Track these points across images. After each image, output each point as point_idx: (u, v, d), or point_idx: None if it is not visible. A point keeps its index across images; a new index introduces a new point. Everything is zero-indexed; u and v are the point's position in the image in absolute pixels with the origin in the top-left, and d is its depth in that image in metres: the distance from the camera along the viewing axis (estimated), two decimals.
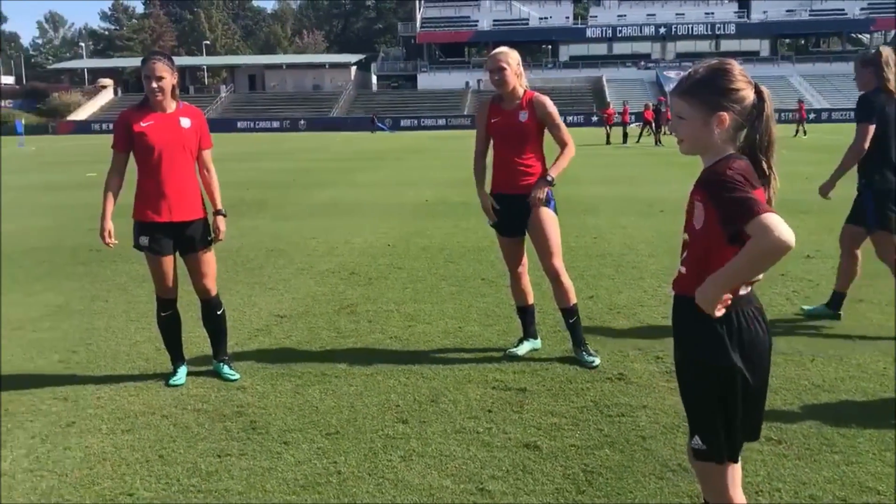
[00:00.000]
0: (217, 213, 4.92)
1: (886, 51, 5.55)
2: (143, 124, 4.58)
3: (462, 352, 5.36)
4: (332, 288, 7.39)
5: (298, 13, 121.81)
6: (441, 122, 68.02)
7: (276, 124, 70.10)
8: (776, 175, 2.36)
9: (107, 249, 5.17)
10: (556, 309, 5.25)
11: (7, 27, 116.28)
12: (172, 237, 4.69)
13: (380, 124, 63.75)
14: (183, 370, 4.88)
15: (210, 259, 4.83)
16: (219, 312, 4.98)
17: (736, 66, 2.34)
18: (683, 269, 2.44)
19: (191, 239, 4.73)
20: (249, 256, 9.06)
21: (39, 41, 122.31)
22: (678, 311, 2.48)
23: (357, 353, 5.40)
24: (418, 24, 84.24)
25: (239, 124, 68.20)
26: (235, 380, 4.83)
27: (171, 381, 4.78)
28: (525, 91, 4.99)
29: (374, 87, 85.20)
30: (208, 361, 5.06)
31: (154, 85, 4.53)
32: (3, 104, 76.23)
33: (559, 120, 5.02)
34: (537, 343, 5.35)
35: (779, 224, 2.08)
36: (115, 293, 7.30)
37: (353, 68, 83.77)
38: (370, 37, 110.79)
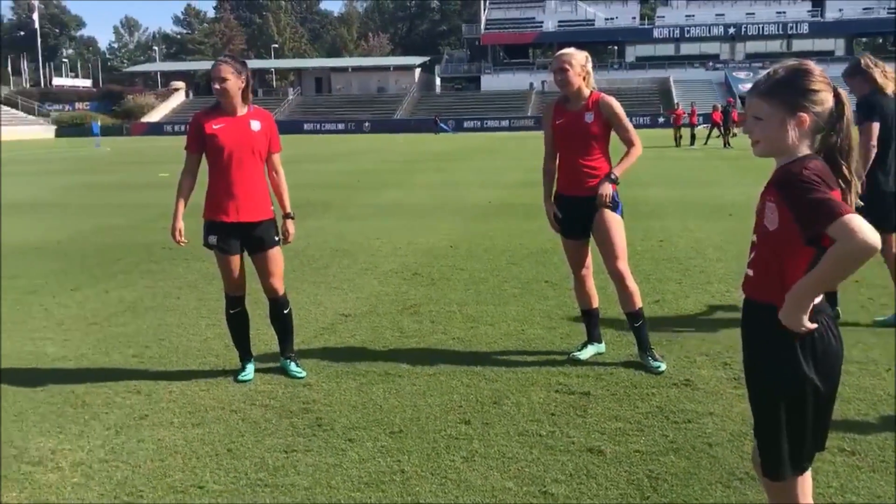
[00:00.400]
0: (286, 216, 5.02)
1: (864, 57, 5.71)
2: (214, 126, 4.68)
3: (525, 354, 5.35)
4: (395, 288, 7.46)
5: (364, 16, 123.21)
6: (504, 123, 67.89)
7: (341, 126, 71.01)
8: (856, 180, 2.30)
9: (178, 248, 5.33)
10: (620, 313, 5.20)
11: (85, 32, 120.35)
12: (240, 237, 4.79)
13: (443, 125, 64.01)
14: (251, 367, 4.99)
15: (277, 259, 4.91)
16: (286, 311, 5.06)
17: (816, 68, 2.29)
18: (751, 272, 2.40)
19: (259, 239, 4.82)
20: (315, 256, 9.21)
21: (115, 45, 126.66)
22: (747, 315, 2.43)
23: (420, 353, 5.44)
24: (483, 25, 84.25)
25: (305, 126, 69.30)
26: (302, 377, 4.92)
27: (239, 377, 4.89)
28: (591, 92, 4.95)
29: (438, 89, 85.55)
30: (276, 358, 5.16)
31: (217, 86, 4.63)
32: (80, 106, 79.06)
33: (626, 121, 4.97)
34: (601, 347, 5.31)
35: (863, 225, 2.02)
36: (187, 291, 7.50)
37: (418, 70, 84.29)
38: (434, 39, 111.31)
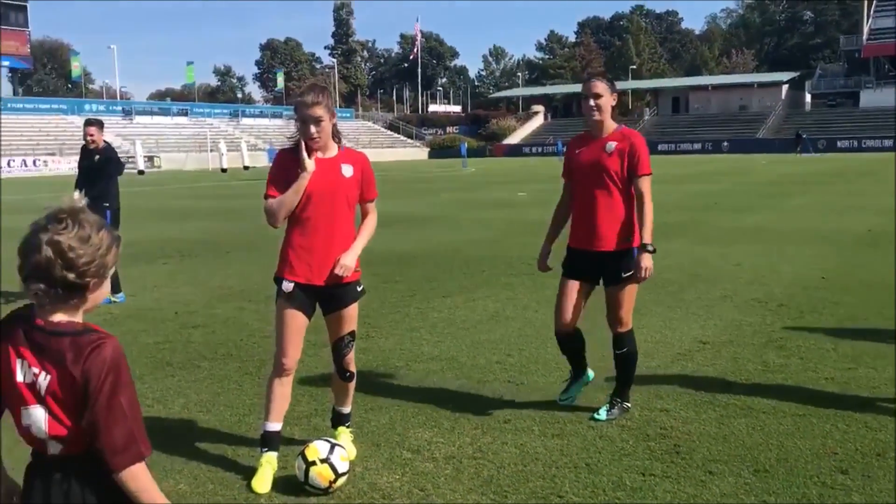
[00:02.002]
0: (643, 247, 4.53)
1: None
2: (576, 151, 4.54)
3: None
4: (759, 318, 7.02)
5: (727, 33, 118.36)
6: (888, 143, 60.61)
7: (697, 146, 68.93)
8: None
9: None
10: None
11: (457, 62, 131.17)
12: (592, 265, 4.50)
13: (807, 145, 58.90)
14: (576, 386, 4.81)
15: (630, 294, 4.53)
16: (618, 352, 4.64)
17: None
18: None
19: (614, 271, 4.48)
20: (670, 279, 9.01)
21: (483, 73, 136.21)
22: None
23: (786, 390, 5.05)
24: (865, 36, 76.32)
25: (660, 147, 68.36)
26: (602, 420, 4.56)
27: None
28: None
29: (808, 107, 79.16)
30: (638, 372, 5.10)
31: (592, 103, 4.37)
32: (450, 130, 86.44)
33: None
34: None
35: None
36: (545, 305, 7.78)
37: (785, 87, 78.86)
38: (805, 53, 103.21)
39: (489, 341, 6.44)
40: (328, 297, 3.87)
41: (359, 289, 3.95)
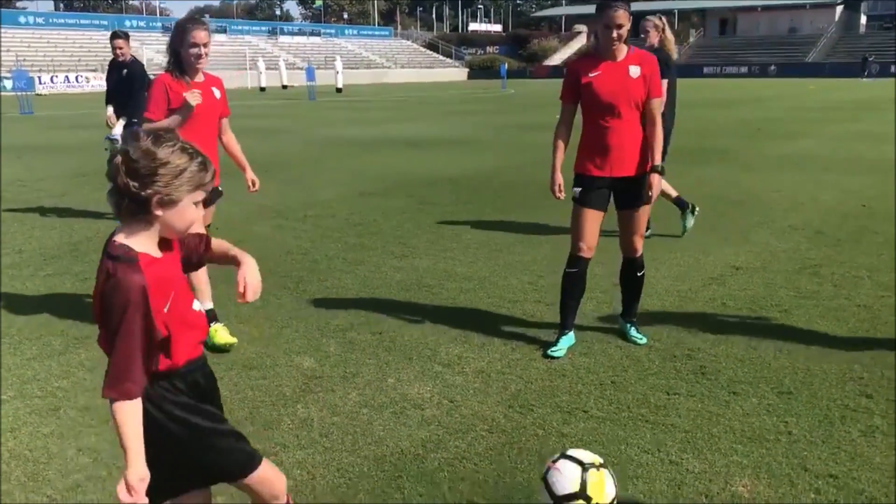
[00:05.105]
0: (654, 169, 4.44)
1: None
2: (591, 75, 4.34)
3: None
4: (793, 245, 6.99)
5: None
6: None
7: (744, 69, 66.95)
8: None
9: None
10: None
11: None
12: (609, 191, 4.45)
13: (872, 70, 56.65)
14: (566, 339, 4.57)
15: (643, 217, 4.53)
16: (640, 273, 4.72)
17: None
18: None
19: (632, 195, 4.44)
20: (708, 204, 8.93)
21: None
22: None
23: (817, 315, 5.08)
24: None
25: (705, 69, 66.59)
26: (643, 343, 4.61)
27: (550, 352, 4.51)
28: None
29: (863, 29, 76.08)
30: (653, 301, 5.17)
31: (615, 34, 4.23)
32: (491, 50, 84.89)
33: None
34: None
35: None
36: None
37: (839, 8, 75.72)
38: None
39: (521, 263, 6.51)
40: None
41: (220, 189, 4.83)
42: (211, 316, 4.63)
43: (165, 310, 1.96)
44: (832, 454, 3.27)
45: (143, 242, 1.96)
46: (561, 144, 4.55)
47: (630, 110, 4.33)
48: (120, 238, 1.95)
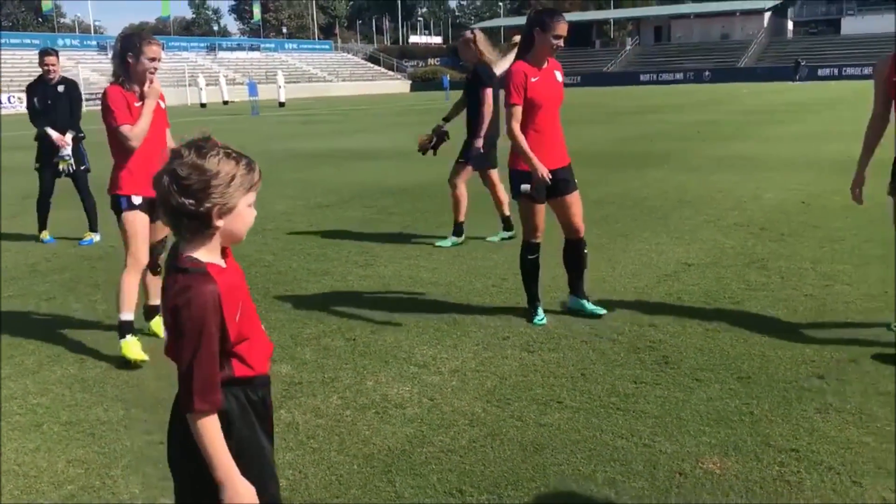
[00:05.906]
0: None
1: None
2: (533, 80, 4.88)
3: (888, 314, 5.02)
4: (740, 241, 7.31)
5: None
6: (867, 70, 60.64)
7: (679, 76, 68.69)
8: None
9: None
10: None
11: None
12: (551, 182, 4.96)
13: (804, 73, 58.77)
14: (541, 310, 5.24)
15: (579, 201, 5.18)
16: (585, 251, 5.29)
17: None
18: None
19: (564, 182, 5.06)
20: (655, 206, 9.27)
21: (464, 2, 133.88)
22: None
23: (768, 306, 5.36)
24: None
25: (642, 77, 68.16)
26: (601, 314, 5.19)
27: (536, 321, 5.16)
28: None
29: (790, 34, 78.77)
30: (617, 296, 5.40)
31: (560, 42, 4.90)
32: (432, 62, 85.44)
33: None
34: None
35: None
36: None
37: (767, 14, 78.21)
38: None
39: (484, 267, 6.69)
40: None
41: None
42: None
43: (237, 318, 1.92)
44: (792, 430, 3.51)
45: (208, 253, 1.93)
46: (525, 142, 4.93)
47: (557, 110, 5.03)
48: (186, 251, 1.91)
